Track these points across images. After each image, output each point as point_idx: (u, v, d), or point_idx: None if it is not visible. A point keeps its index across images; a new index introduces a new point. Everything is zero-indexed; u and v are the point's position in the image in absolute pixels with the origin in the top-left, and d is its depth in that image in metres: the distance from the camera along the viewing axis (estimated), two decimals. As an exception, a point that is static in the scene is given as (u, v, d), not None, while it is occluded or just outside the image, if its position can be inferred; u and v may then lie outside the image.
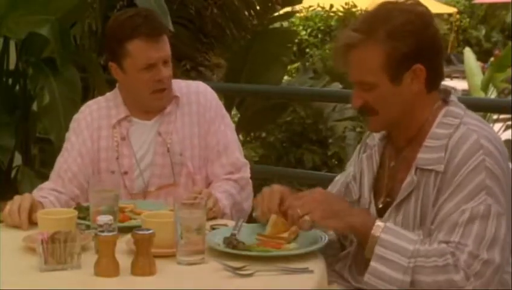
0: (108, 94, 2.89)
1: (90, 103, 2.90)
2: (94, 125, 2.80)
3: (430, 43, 2.10)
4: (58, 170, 2.80)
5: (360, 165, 2.31)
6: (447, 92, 2.20)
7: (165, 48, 2.72)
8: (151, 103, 2.77)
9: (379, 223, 2.05)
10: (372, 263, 2.02)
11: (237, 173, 2.82)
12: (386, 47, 2.06)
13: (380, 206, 2.22)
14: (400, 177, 2.17)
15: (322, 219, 2.08)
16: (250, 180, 2.86)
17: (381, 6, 2.15)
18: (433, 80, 2.14)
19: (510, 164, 2.13)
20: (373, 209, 2.23)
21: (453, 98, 2.19)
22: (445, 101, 2.17)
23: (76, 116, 2.87)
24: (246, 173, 2.86)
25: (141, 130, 2.80)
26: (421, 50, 2.08)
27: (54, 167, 2.82)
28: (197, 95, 2.84)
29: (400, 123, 2.18)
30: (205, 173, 2.81)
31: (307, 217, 2.08)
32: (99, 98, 2.92)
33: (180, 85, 2.85)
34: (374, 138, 2.30)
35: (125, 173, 2.76)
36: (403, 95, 2.11)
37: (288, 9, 6.89)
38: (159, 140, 2.78)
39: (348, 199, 2.33)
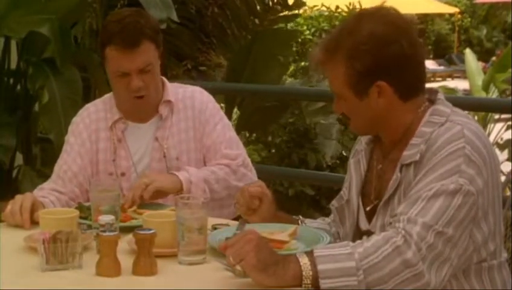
0: (105, 96, 2.90)
1: (88, 105, 2.91)
2: (92, 127, 2.82)
3: (390, 60, 2.07)
4: (58, 171, 2.81)
5: (349, 171, 2.30)
6: (433, 91, 2.18)
7: (140, 59, 2.66)
8: (131, 108, 2.78)
9: (303, 259, 1.88)
10: None
11: (228, 160, 2.79)
12: (344, 67, 2.08)
13: (368, 209, 2.20)
14: (387, 178, 2.14)
15: (255, 270, 1.85)
16: (244, 167, 2.81)
17: (351, 21, 2.14)
18: (405, 92, 2.11)
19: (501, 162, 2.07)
20: (362, 213, 2.22)
21: (440, 96, 2.16)
22: (432, 101, 2.15)
23: (74, 119, 2.89)
24: (239, 160, 2.80)
25: (137, 132, 2.81)
26: (379, 68, 2.07)
27: (54, 169, 2.83)
28: (192, 100, 2.84)
29: (380, 129, 2.19)
30: None
31: (238, 267, 1.88)
32: (97, 100, 2.92)
33: (177, 90, 2.85)
34: (362, 143, 2.29)
35: (123, 174, 2.77)
36: (372, 108, 2.11)
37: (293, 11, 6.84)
38: (156, 145, 2.78)
39: (337, 203, 2.34)
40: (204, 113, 2.83)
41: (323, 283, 1.85)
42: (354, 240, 2.16)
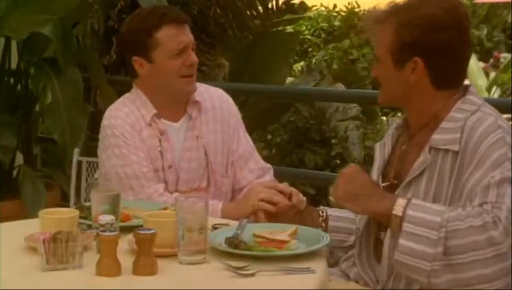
0: (127, 95, 2.83)
1: (117, 107, 2.79)
2: (136, 127, 2.74)
3: (436, 43, 2.14)
4: (139, 175, 2.69)
5: (375, 154, 2.36)
6: (466, 85, 2.25)
7: (191, 34, 2.77)
8: (181, 88, 2.75)
9: (401, 201, 2.05)
10: (401, 241, 2.01)
11: (265, 176, 2.85)
12: (393, 33, 2.17)
13: (383, 185, 2.25)
14: (410, 159, 2.20)
15: (341, 199, 2.15)
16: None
17: None
18: (439, 80, 2.18)
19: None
20: None
21: (472, 89, 2.23)
22: (464, 93, 2.21)
23: (114, 122, 2.74)
24: (271, 177, 2.87)
25: (170, 131, 2.78)
26: (423, 46, 2.14)
27: (128, 176, 2.69)
28: (220, 101, 2.85)
29: (406, 107, 2.27)
30: (230, 178, 2.82)
31: (331, 198, 2.18)
32: (119, 103, 2.81)
33: (200, 89, 2.84)
34: (391, 128, 2.37)
35: (170, 167, 2.74)
36: (403, 81, 2.19)
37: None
38: (194, 145, 2.76)
39: None
40: (233, 116, 2.86)
41: (406, 225, 2.00)
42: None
